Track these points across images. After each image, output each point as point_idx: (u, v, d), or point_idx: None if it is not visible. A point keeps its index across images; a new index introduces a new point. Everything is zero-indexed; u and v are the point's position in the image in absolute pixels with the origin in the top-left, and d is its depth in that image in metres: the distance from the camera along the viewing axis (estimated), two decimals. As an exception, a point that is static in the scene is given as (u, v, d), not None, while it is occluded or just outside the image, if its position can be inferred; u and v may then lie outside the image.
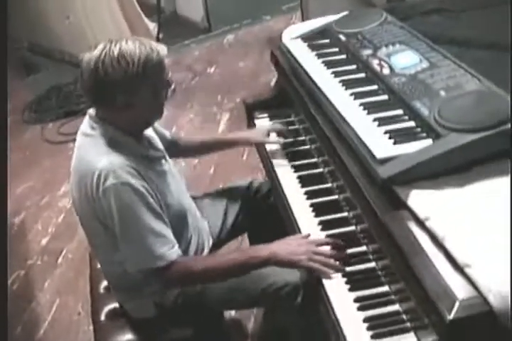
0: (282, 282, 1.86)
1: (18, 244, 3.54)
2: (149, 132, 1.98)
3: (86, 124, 1.82)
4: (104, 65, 1.65)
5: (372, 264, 1.65)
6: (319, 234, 1.80)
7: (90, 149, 1.77)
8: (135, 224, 1.72)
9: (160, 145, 2.01)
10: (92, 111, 1.82)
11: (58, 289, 3.12)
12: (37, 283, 3.19)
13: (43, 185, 4.13)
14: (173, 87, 1.82)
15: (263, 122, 2.47)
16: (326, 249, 1.72)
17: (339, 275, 1.64)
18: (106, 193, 1.69)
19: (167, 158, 1.99)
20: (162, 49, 1.74)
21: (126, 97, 1.69)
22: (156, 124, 2.06)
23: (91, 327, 2.38)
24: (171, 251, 1.75)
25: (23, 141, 4.84)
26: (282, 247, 1.75)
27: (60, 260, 3.33)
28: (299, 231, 1.84)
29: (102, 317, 2.07)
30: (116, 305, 2.08)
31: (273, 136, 2.30)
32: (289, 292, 1.85)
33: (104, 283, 2.16)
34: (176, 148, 2.21)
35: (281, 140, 2.26)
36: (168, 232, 1.78)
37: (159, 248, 1.73)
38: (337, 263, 1.67)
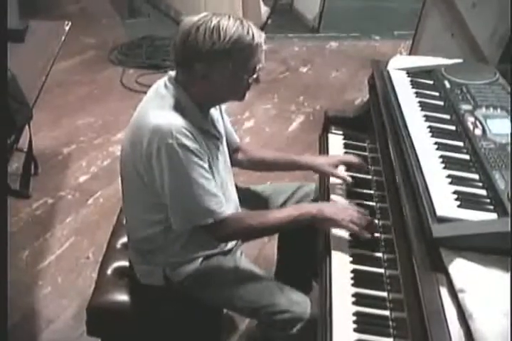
0: (285, 307, 1.86)
1: (56, 173, 3.60)
2: (217, 115, 1.98)
3: (162, 83, 1.83)
4: (197, 32, 1.67)
5: (386, 312, 1.62)
6: (347, 266, 1.77)
7: (156, 106, 1.78)
8: (188, 182, 1.73)
9: (222, 129, 2.01)
10: (172, 72, 1.83)
11: (77, 228, 3.15)
12: (59, 216, 3.23)
13: (102, 125, 4.18)
14: (255, 76, 1.79)
15: (336, 138, 2.45)
16: (366, 216, 1.86)
17: (350, 313, 1.61)
18: (160, 150, 1.69)
19: (223, 142, 1.99)
20: (259, 36, 1.73)
21: (205, 68, 1.71)
22: (230, 126, 2.11)
23: (93, 275, 2.41)
24: (223, 208, 1.79)
25: (100, 77, 4.93)
26: (329, 207, 1.91)
27: (90, 201, 3.37)
28: (329, 253, 1.81)
29: (109, 271, 2.09)
30: (126, 264, 2.09)
31: (341, 168, 2.21)
32: (286, 319, 1.86)
33: (124, 240, 2.18)
34: (241, 157, 2.23)
35: (349, 179, 2.13)
36: (219, 193, 1.80)
37: (212, 205, 1.76)
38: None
